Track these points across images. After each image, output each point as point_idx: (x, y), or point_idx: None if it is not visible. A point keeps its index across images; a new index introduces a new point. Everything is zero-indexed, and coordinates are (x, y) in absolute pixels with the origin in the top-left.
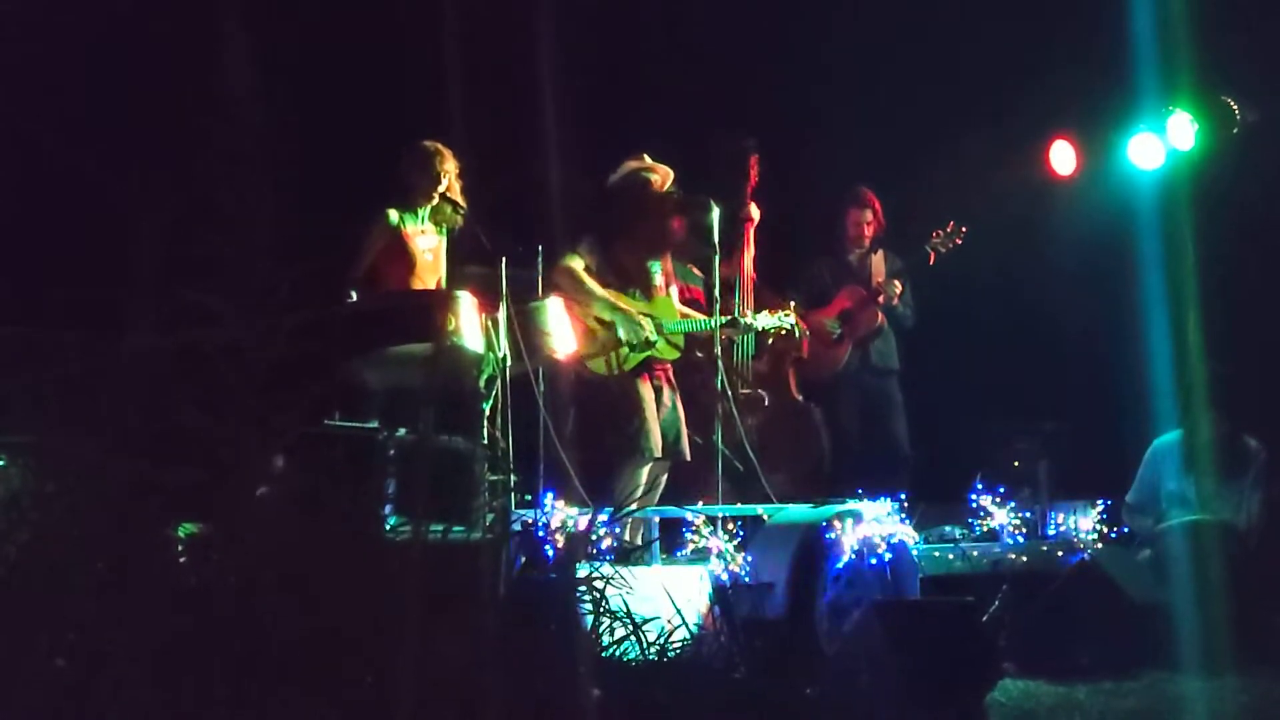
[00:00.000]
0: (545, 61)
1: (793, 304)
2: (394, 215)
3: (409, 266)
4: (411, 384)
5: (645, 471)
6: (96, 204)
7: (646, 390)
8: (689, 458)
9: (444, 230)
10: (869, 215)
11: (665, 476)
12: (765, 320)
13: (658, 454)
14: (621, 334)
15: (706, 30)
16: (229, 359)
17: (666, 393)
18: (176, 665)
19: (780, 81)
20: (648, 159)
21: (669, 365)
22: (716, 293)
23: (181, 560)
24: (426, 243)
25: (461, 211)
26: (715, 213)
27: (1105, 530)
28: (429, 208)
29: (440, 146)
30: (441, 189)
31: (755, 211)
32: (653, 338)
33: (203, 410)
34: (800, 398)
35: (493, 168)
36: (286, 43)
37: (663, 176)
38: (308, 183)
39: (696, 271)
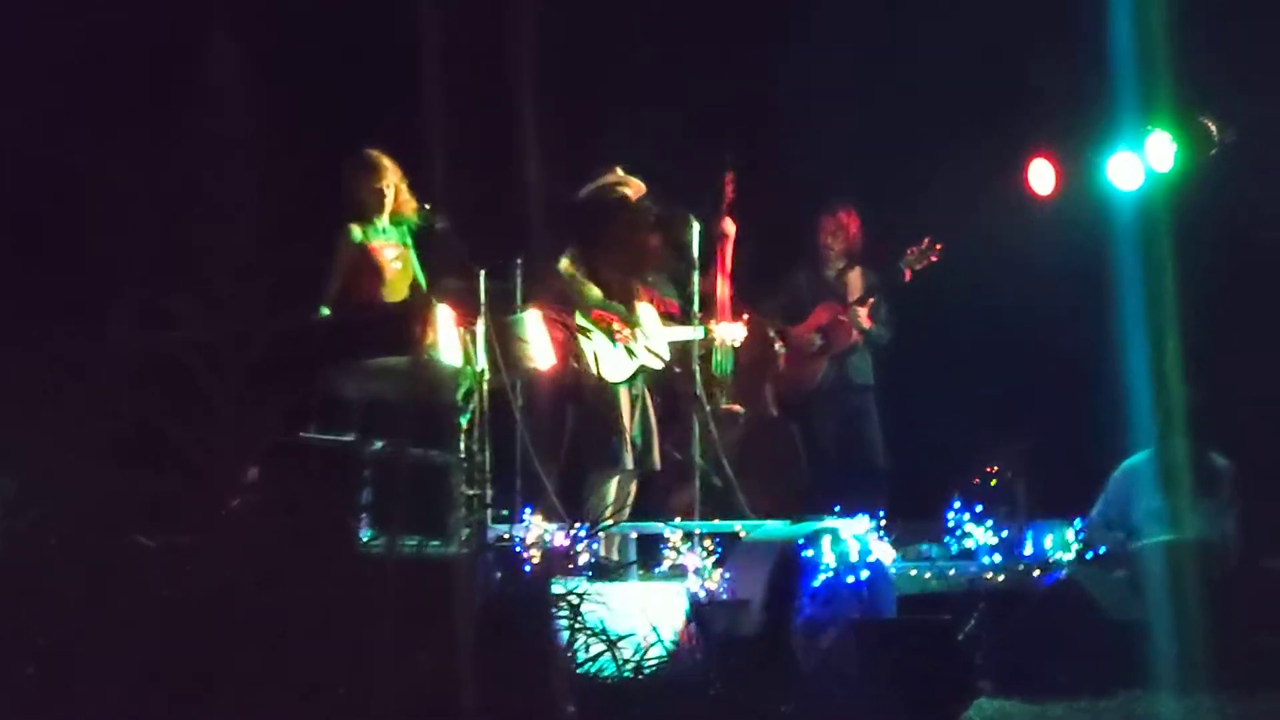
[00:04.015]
0: (523, 72)
1: (746, 317)
2: (356, 231)
3: (379, 280)
4: (389, 396)
5: (616, 483)
6: (74, 201)
7: (627, 401)
8: (659, 468)
9: (408, 234)
10: (843, 229)
11: (635, 487)
12: (724, 330)
13: (630, 466)
14: (616, 337)
15: (687, 44)
16: (206, 366)
17: (644, 403)
18: (149, 674)
19: (760, 96)
20: (620, 171)
21: (649, 375)
22: (696, 307)
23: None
24: (392, 252)
25: (422, 214)
26: (695, 228)
27: (1082, 549)
28: (387, 216)
29: (380, 159)
30: (388, 206)
31: (731, 227)
32: (640, 343)
33: (179, 419)
34: (776, 413)
35: (470, 180)
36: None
37: (635, 190)
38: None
39: (670, 287)
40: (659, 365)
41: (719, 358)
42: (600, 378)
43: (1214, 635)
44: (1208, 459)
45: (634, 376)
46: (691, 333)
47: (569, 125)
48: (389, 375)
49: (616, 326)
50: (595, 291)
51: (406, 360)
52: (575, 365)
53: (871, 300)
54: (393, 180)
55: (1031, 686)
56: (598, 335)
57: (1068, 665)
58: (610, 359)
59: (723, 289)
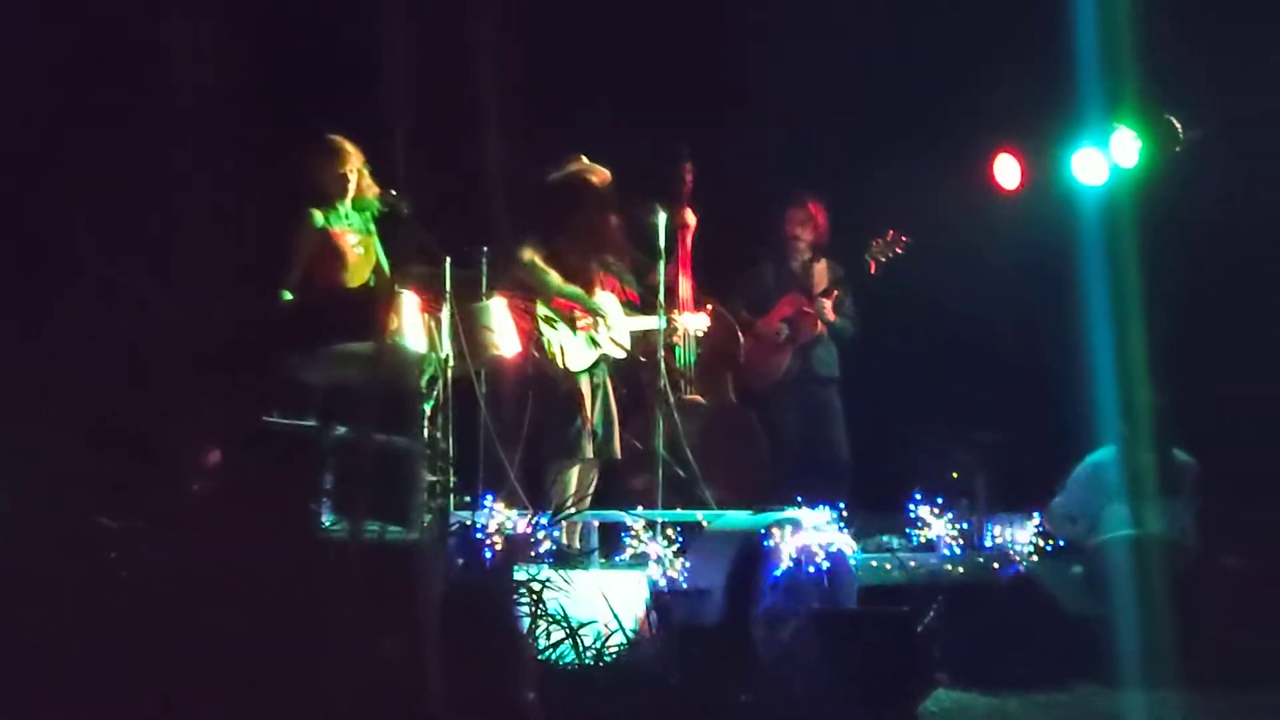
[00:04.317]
0: (485, 61)
1: (709, 307)
2: (318, 216)
3: (341, 265)
4: (352, 382)
5: (577, 472)
6: (33, 186)
7: (588, 389)
8: (619, 456)
9: (370, 220)
10: (809, 220)
11: (597, 475)
12: (688, 320)
13: (589, 455)
14: (578, 326)
15: (650, 34)
16: (169, 351)
17: (605, 392)
18: (109, 655)
19: (723, 87)
20: (585, 160)
21: (610, 364)
22: (661, 296)
23: (114, 555)
24: (354, 238)
25: (388, 201)
26: (661, 216)
27: (1042, 543)
28: (349, 201)
29: (343, 144)
30: (350, 190)
31: (691, 217)
32: (604, 332)
33: (141, 402)
34: (735, 402)
35: (436, 167)
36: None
37: (600, 178)
38: (248, 174)
39: (629, 275)
40: (621, 354)
41: (682, 348)
42: (562, 366)
43: (1172, 631)
44: (1171, 456)
45: (595, 365)
46: (654, 322)
47: (533, 113)
48: (352, 361)
49: (579, 315)
50: (558, 279)
51: (370, 346)
52: (537, 354)
53: (837, 292)
54: (355, 165)
55: (989, 679)
56: (560, 324)
57: (1025, 659)
58: (572, 348)
59: (683, 279)
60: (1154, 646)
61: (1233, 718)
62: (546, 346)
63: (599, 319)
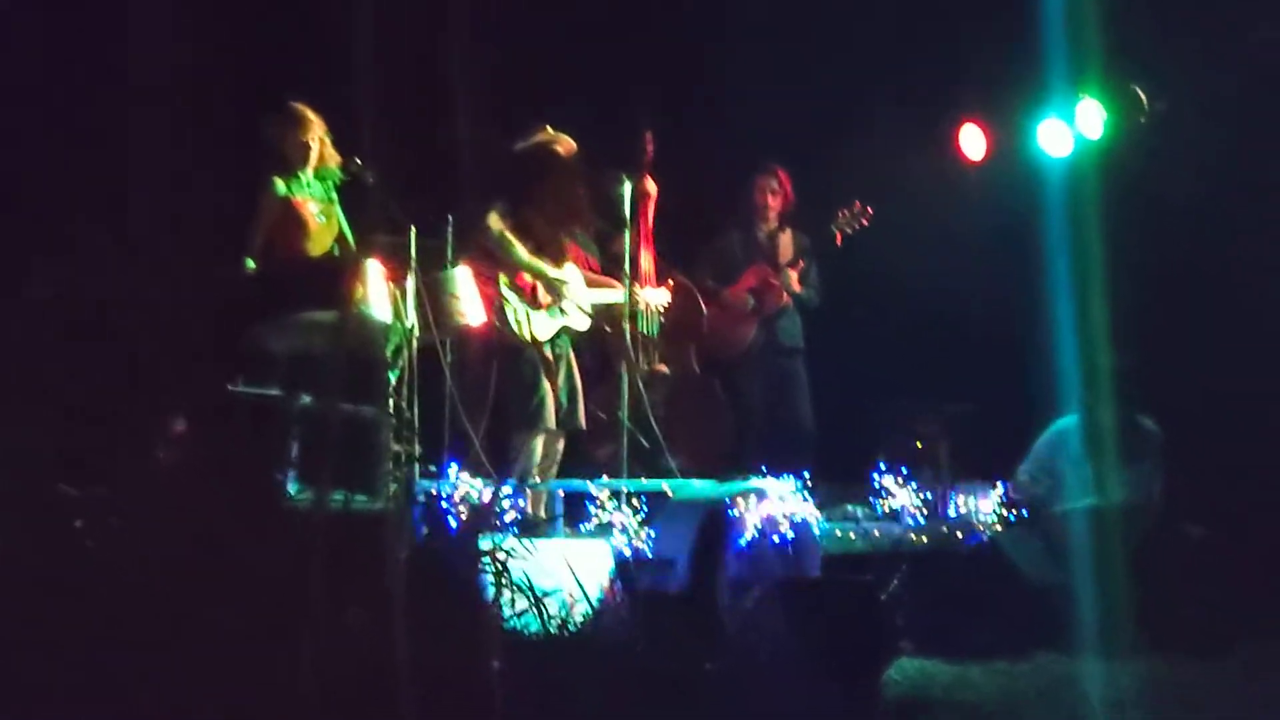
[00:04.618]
0: (452, 30)
1: (671, 281)
2: (280, 184)
3: (304, 233)
4: (317, 351)
5: (541, 442)
6: None
7: (552, 360)
8: (584, 427)
9: (333, 189)
10: (777, 189)
11: (562, 446)
12: (650, 295)
13: (552, 425)
14: (541, 298)
15: (614, 3)
16: (132, 318)
17: (568, 362)
18: (72, 625)
19: (686, 57)
20: (551, 130)
21: (574, 335)
22: (628, 267)
23: (78, 524)
24: (316, 206)
25: (348, 167)
26: (626, 186)
27: (1005, 512)
28: (311, 169)
29: (305, 112)
30: (313, 159)
31: (652, 187)
32: (569, 303)
33: (105, 371)
34: (699, 372)
35: (402, 136)
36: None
37: (566, 147)
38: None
39: (593, 245)
40: (584, 325)
41: (645, 318)
42: (525, 337)
43: (1133, 600)
44: (1135, 423)
45: (559, 335)
46: (617, 295)
47: (497, 83)
48: (317, 330)
49: (541, 290)
50: (522, 250)
51: (335, 315)
52: (500, 324)
53: (803, 263)
54: (318, 134)
55: (953, 648)
56: (523, 295)
57: (989, 627)
58: (535, 318)
59: (645, 250)
60: (1116, 615)
61: (1192, 686)
62: (510, 317)
63: (560, 293)
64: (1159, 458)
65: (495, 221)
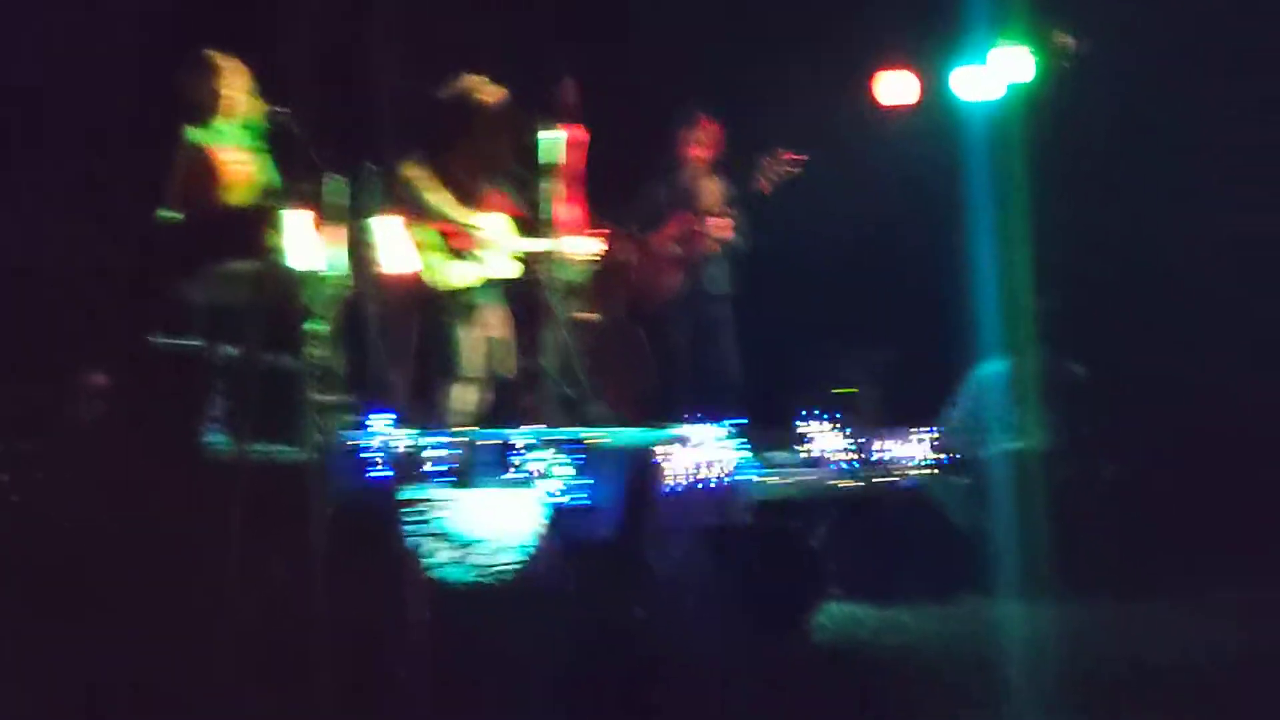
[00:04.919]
0: None
1: (603, 230)
2: (194, 134)
3: (221, 182)
4: (238, 302)
5: (465, 390)
6: None
7: (477, 307)
8: (512, 375)
9: (252, 137)
10: (703, 137)
11: (487, 394)
12: (577, 244)
13: (471, 373)
14: (460, 245)
15: None
16: (52, 271)
17: (497, 310)
18: None
19: (615, 2)
20: (475, 77)
21: (498, 282)
22: (553, 215)
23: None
24: (232, 155)
25: (273, 116)
26: (551, 134)
27: (931, 456)
28: (228, 118)
29: (216, 59)
30: (228, 108)
31: (580, 134)
32: (492, 252)
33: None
34: (626, 319)
35: (325, 84)
36: None
37: (491, 95)
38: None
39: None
40: (508, 273)
41: (572, 266)
42: (447, 285)
43: (1056, 542)
44: (1062, 367)
45: (482, 283)
46: (542, 242)
47: (420, 30)
48: (238, 280)
49: (458, 238)
50: (436, 199)
51: (256, 265)
52: (419, 273)
53: (729, 210)
54: (234, 82)
55: (881, 592)
56: (442, 243)
57: (916, 571)
58: (454, 266)
59: (573, 197)
60: (1039, 558)
61: (1112, 627)
62: (428, 265)
63: (479, 239)
64: (1082, 400)
65: (409, 169)
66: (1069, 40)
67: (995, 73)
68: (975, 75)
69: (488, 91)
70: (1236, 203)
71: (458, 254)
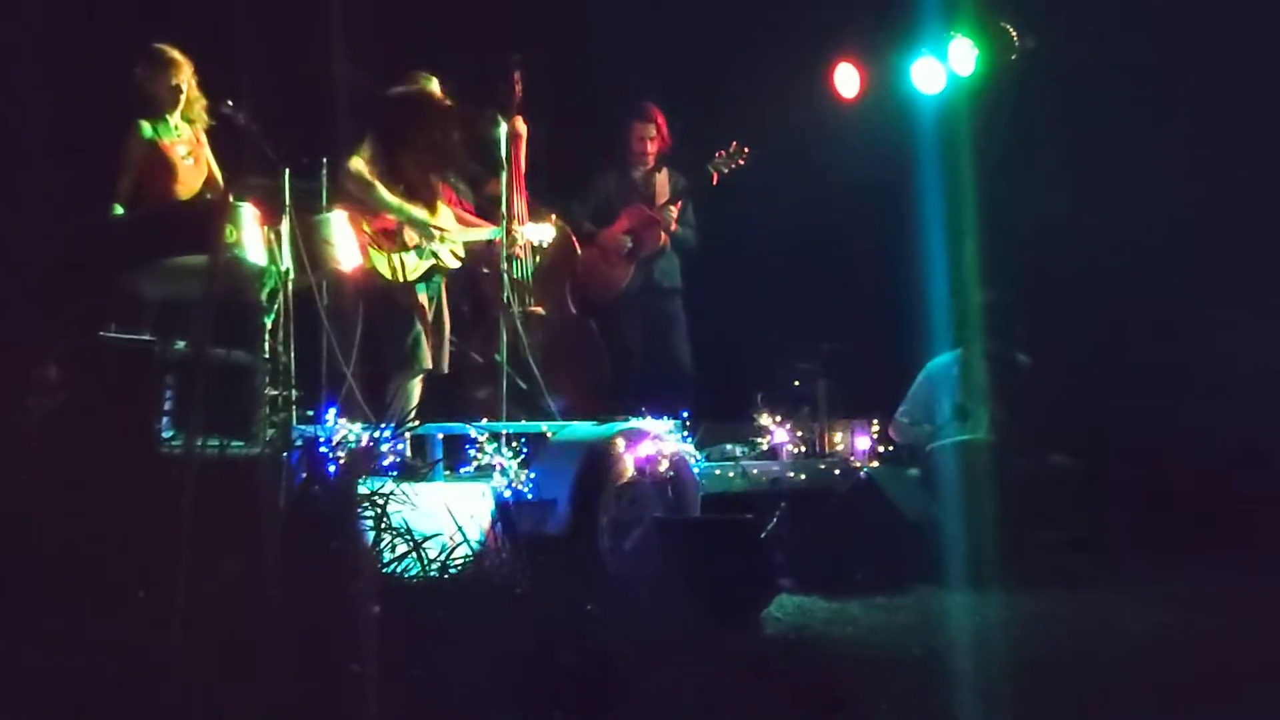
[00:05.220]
0: None
1: (554, 217)
2: (147, 128)
3: (171, 176)
4: (189, 296)
5: (418, 383)
6: None
7: (423, 300)
8: (446, 370)
9: (200, 131)
10: (653, 131)
11: (421, 387)
12: (532, 231)
13: (429, 365)
14: (407, 238)
15: None
16: (3, 266)
17: (438, 303)
18: None
19: None
20: (425, 76)
21: (445, 275)
22: (504, 207)
23: None
24: (184, 149)
25: (218, 109)
26: (501, 127)
27: (881, 449)
28: (178, 113)
29: (174, 55)
30: (181, 102)
31: (522, 126)
32: (438, 244)
33: None
34: (575, 313)
35: (274, 78)
36: None
37: (444, 92)
38: (80, 84)
39: (464, 187)
40: (455, 265)
41: (521, 260)
42: (396, 279)
43: (1003, 533)
44: (1007, 358)
45: (429, 276)
46: (488, 233)
47: (369, 23)
48: (189, 274)
49: (407, 231)
50: (383, 192)
51: (206, 259)
52: (370, 267)
53: (680, 203)
54: (186, 76)
55: (831, 583)
56: (390, 237)
57: (866, 563)
58: (404, 259)
59: (517, 190)
60: (986, 549)
61: (1061, 618)
62: (379, 259)
63: (426, 233)
64: (1030, 391)
65: (357, 164)
66: (1016, 33)
67: (948, 65)
68: (929, 67)
69: (438, 91)
70: (1182, 192)
71: (403, 246)
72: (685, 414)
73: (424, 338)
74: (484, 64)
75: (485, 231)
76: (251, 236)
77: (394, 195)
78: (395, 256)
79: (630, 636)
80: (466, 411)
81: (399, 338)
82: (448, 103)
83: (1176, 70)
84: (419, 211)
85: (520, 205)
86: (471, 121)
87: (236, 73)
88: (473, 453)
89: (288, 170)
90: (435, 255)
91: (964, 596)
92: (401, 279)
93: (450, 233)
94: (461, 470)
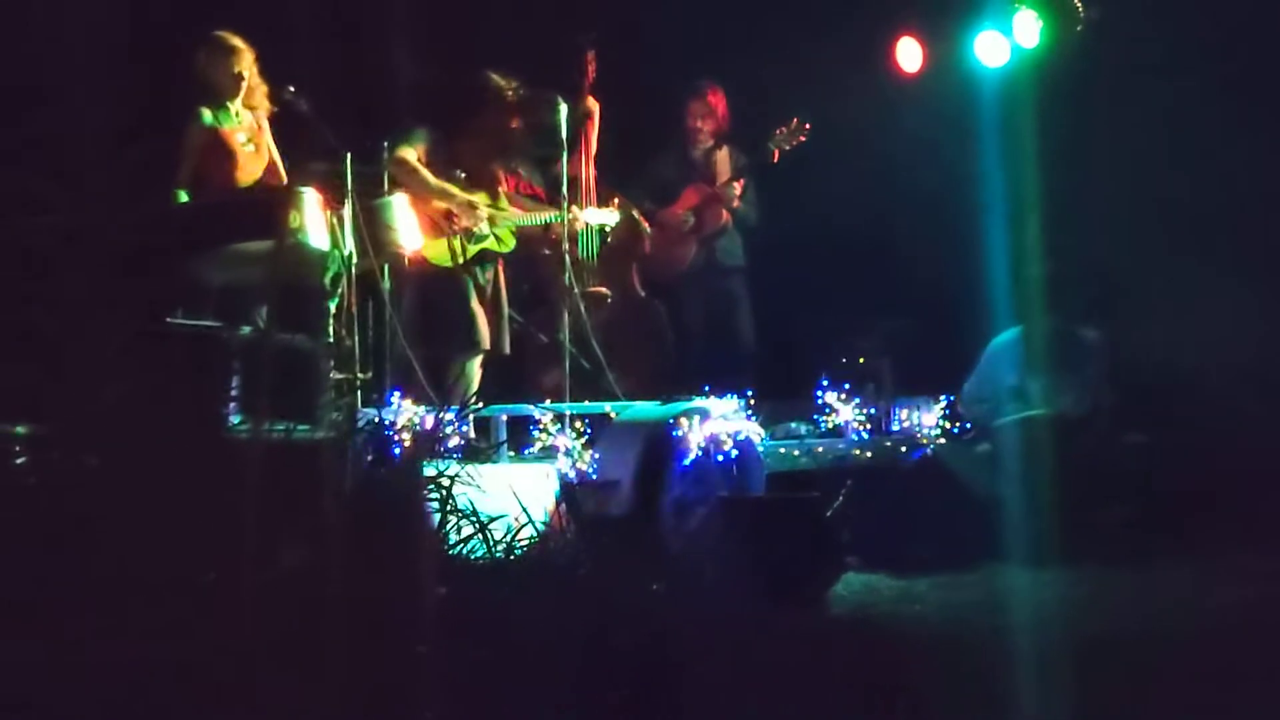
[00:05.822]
0: None
1: (617, 201)
2: (208, 115)
3: (232, 163)
4: (254, 282)
5: (478, 365)
6: None
7: (477, 282)
8: (506, 351)
9: (262, 118)
10: (711, 110)
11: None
12: (593, 215)
13: (487, 346)
14: (461, 221)
15: None
16: (66, 252)
17: (494, 285)
18: (11, 563)
19: None
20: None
21: (500, 258)
22: (565, 190)
23: (20, 460)
24: (244, 136)
25: (280, 95)
26: (563, 110)
27: (947, 426)
28: (239, 100)
29: (236, 42)
30: (243, 89)
31: (594, 107)
32: (487, 228)
33: (40, 306)
34: (643, 294)
35: (339, 63)
36: None
37: (506, 82)
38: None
39: (530, 170)
40: (508, 248)
41: (585, 241)
42: (450, 261)
43: (1070, 509)
44: (1074, 333)
45: (483, 258)
46: (549, 214)
47: (435, 6)
48: (251, 260)
49: (459, 214)
50: (428, 176)
51: (271, 245)
52: (425, 251)
53: (741, 181)
54: (248, 63)
55: (898, 561)
56: (444, 220)
57: (932, 540)
58: (459, 242)
59: (588, 171)
60: (1056, 525)
61: (1131, 595)
62: (433, 243)
63: (474, 215)
64: (1102, 365)
65: (404, 151)
66: (1081, 4)
67: (1012, 37)
68: (993, 40)
69: (502, 78)
70: (1250, 163)
71: (455, 230)
72: (749, 392)
73: (480, 318)
74: (555, 43)
75: (544, 215)
76: (314, 221)
77: (453, 182)
78: (450, 240)
79: (694, 616)
80: (530, 392)
81: (457, 319)
82: (507, 92)
83: (1241, 41)
84: (469, 195)
85: (591, 186)
86: (531, 108)
87: (297, 57)
88: (537, 434)
89: (349, 155)
90: (491, 238)
91: (1031, 574)
92: (459, 261)
93: (504, 215)
94: (526, 452)
